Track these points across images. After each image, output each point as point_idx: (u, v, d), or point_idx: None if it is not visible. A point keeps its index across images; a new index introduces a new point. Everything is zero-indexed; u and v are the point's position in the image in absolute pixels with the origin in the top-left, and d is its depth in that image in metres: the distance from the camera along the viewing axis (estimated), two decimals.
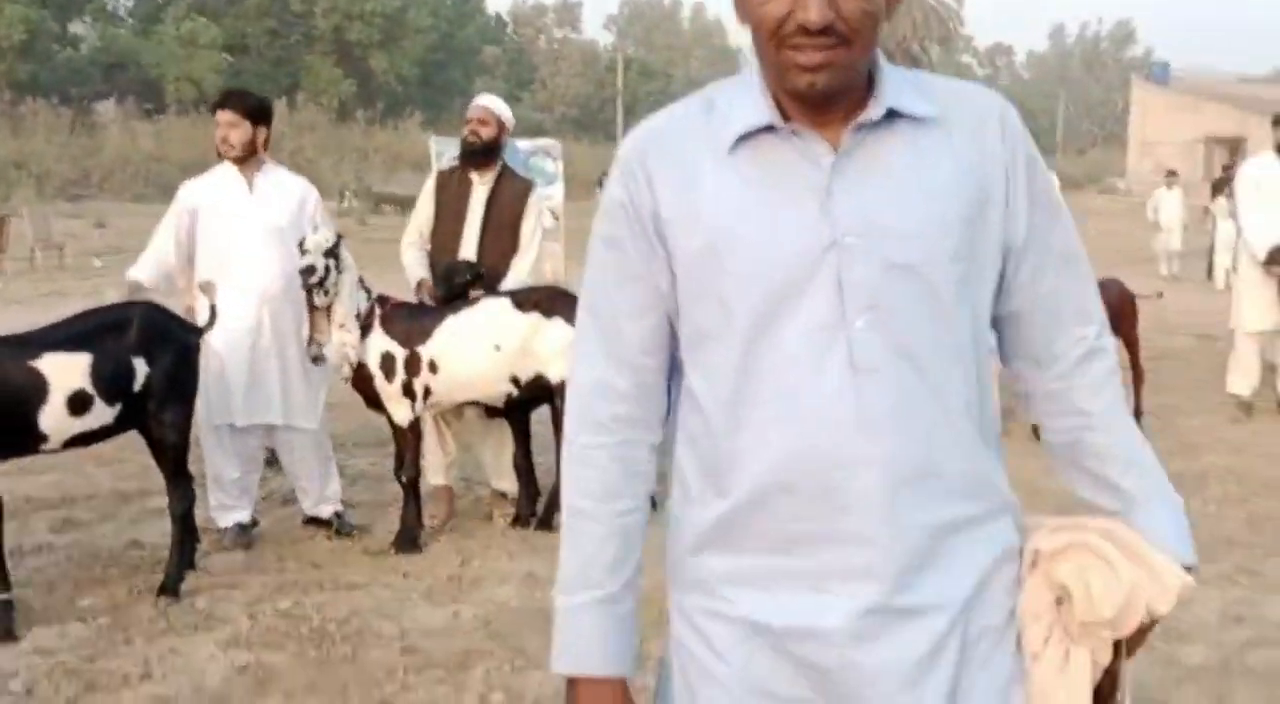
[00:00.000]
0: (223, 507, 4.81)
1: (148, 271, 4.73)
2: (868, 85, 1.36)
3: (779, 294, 1.34)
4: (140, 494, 5.62)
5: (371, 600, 4.22)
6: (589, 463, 1.45)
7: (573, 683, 1.46)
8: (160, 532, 5.05)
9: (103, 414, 4.00)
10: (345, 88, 41.56)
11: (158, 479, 5.73)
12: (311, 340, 4.77)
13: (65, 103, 34.88)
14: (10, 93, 33.96)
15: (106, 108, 37.66)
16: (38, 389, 3.84)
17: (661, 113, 1.46)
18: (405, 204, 29.34)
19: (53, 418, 3.88)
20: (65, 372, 3.90)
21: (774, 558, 1.38)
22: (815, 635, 1.37)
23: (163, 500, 5.49)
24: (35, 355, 3.88)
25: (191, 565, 4.37)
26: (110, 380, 3.99)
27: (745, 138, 1.36)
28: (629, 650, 1.46)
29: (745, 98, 1.37)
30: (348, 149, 36.06)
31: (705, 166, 1.37)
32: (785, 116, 1.35)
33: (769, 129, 1.35)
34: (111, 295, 5.34)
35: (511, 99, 31.27)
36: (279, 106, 36.99)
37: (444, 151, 7.29)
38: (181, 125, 35.13)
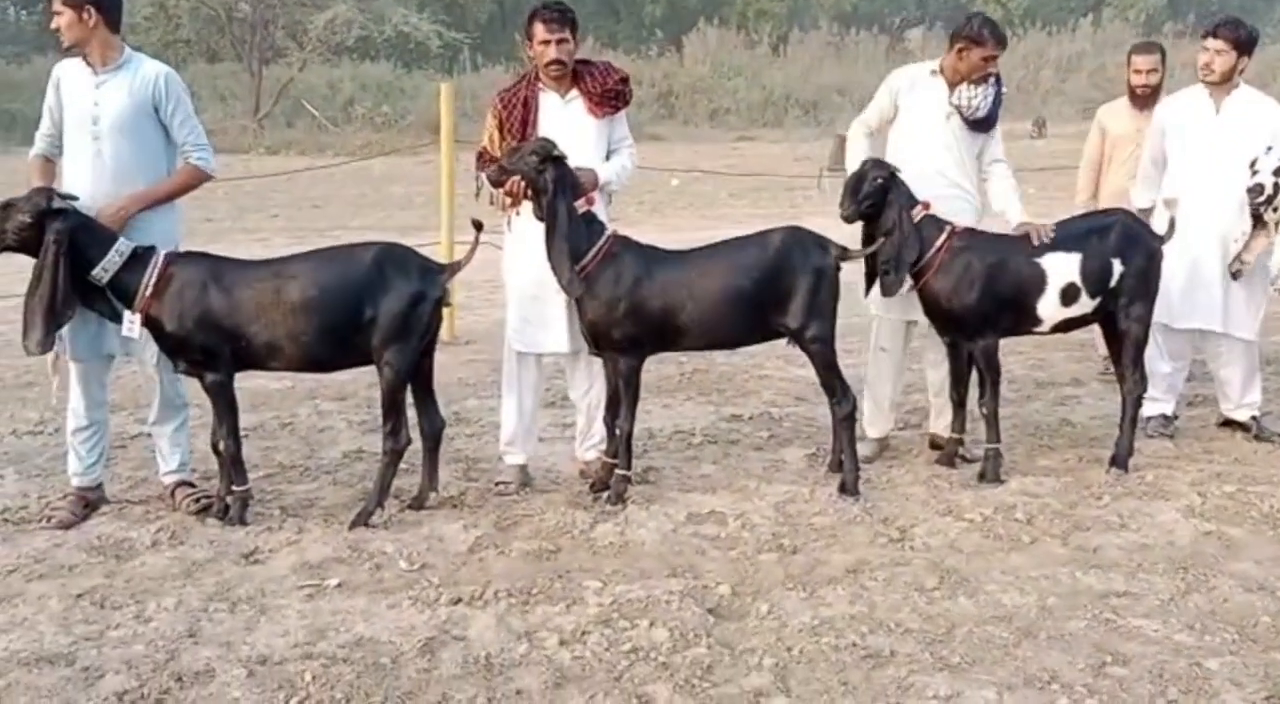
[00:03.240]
0: (1150, 399, 5.33)
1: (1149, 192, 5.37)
2: None
3: None
4: (1051, 384, 6.41)
5: None
6: None
7: None
8: (1084, 415, 5.80)
9: (1084, 305, 4.74)
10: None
11: (1067, 371, 6.52)
12: (1235, 258, 5.09)
13: (882, 31, 37.80)
14: (836, 24, 37.58)
15: (915, 34, 40.08)
16: (1040, 281, 4.68)
17: None
18: None
19: (1049, 305, 4.70)
20: (1061, 267, 4.68)
21: None
22: None
23: (1073, 389, 6.27)
24: (1039, 253, 4.70)
25: (1131, 450, 4.92)
26: (1095, 276, 4.70)
27: None
28: None
29: None
30: None
31: None
32: None
33: None
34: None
35: None
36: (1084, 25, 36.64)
37: None
38: None
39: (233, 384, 4.31)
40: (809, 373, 6.55)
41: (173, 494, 4.55)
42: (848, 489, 4.56)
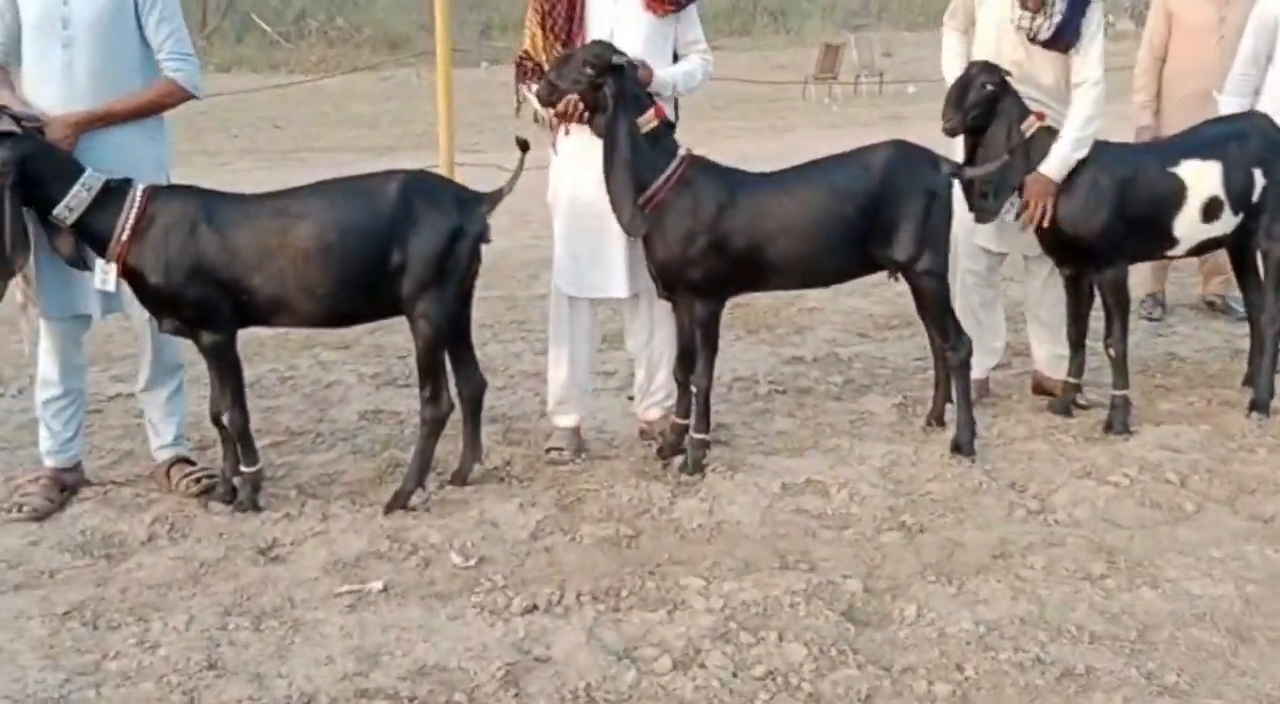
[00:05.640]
0: None
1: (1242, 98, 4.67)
2: None
3: None
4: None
5: None
6: None
7: None
8: (1190, 348, 5.21)
9: (1226, 222, 4.08)
10: None
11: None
12: None
13: None
14: None
15: None
16: (1179, 194, 4.01)
17: None
18: None
19: (1187, 223, 4.05)
20: (1202, 178, 4.02)
21: None
22: None
23: (1166, 316, 5.65)
24: (1175, 162, 4.03)
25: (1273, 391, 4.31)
26: (1238, 189, 4.04)
27: None
28: None
29: None
30: None
31: None
32: None
33: None
34: None
35: None
36: None
37: None
38: None
39: (235, 345, 3.58)
40: (864, 304, 5.96)
41: (168, 474, 3.82)
42: (962, 449, 3.91)
